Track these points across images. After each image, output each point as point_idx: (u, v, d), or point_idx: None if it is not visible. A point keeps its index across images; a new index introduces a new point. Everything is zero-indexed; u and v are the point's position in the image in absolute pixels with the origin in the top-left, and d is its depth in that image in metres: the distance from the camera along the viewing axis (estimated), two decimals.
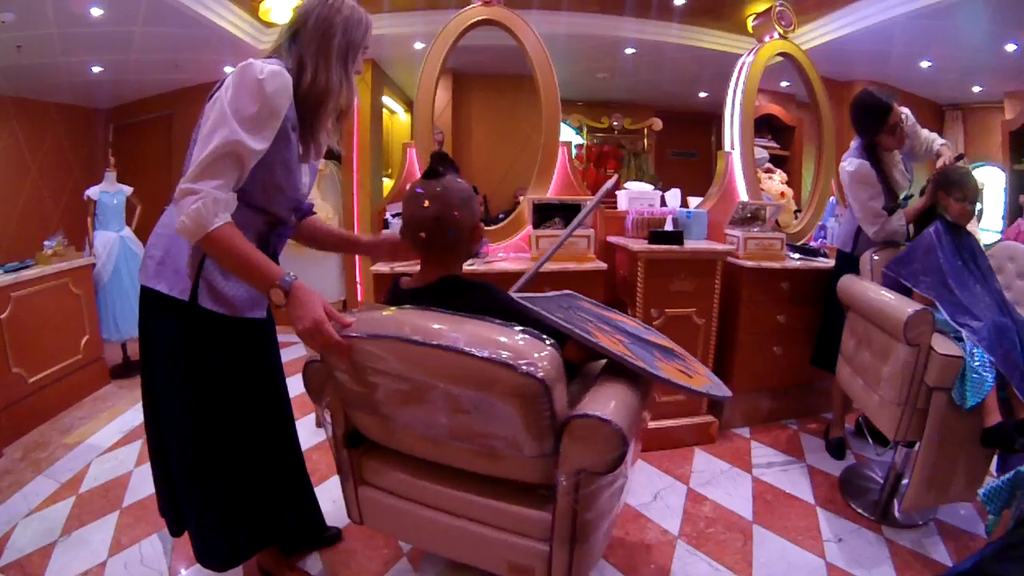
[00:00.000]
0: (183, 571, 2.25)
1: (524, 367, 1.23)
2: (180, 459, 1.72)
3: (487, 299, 1.57)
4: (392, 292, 1.72)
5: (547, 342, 1.32)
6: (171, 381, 1.67)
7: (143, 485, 2.85)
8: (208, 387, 1.67)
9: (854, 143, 2.97)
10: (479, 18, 3.32)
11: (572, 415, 1.33)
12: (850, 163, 2.89)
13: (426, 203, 1.56)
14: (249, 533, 1.84)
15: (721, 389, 1.71)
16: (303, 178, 1.72)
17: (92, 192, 4.48)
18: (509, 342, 1.28)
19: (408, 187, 1.63)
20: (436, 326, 1.34)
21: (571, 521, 1.40)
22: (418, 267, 1.64)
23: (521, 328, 1.34)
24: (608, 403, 1.38)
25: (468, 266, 2.64)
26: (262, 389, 1.82)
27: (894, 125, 2.79)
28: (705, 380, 1.73)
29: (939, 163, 2.84)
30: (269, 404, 1.86)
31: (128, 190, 4.63)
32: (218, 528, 1.79)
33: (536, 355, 1.26)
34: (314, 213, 1.97)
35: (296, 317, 1.40)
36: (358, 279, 5.79)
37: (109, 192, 4.52)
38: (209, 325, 1.62)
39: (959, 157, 2.86)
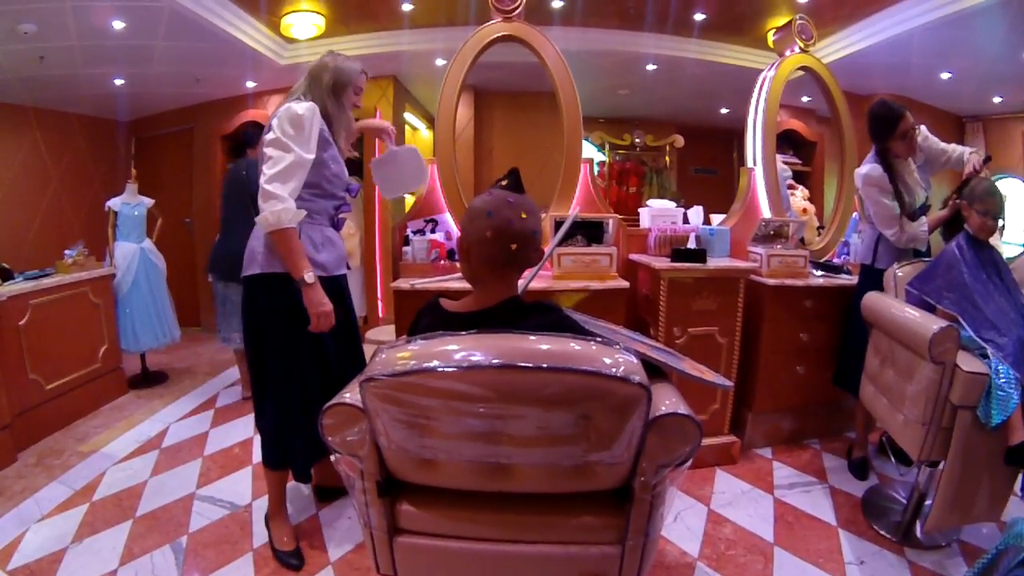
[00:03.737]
0: None
1: (635, 378, 1.25)
2: (273, 388, 2.34)
3: (558, 320, 1.50)
4: (436, 318, 1.56)
5: (632, 352, 1.32)
6: (279, 339, 2.27)
7: (157, 495, 2.87)
8: (305, 334, 2.21)
9: (869, 154, 3.02)
10: (499, 34, 3.30)
11: (659, 415, 1.36)
12: (862, 167, 2.97)
13: (524, 215, 1.47)
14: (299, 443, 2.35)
15: (723, 380, 1.89)
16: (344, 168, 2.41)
17: (113, 203, 4.51)
18: (613, 357, 1.27)
19: (492, 194, 1.51)
20: (544, 347, 1.27)
21: (647, 517, 1.44)
22: (440, 282, 1.59)
23: (618, 345, 1.32)
24: (672, 398, 1.45)
25: None
26: (342, 331, 2.40)
27: (905, 132, 2.87)
28: (709, 375, 1.86)
29: (967, 169, 2.88)
30: (346, 342, 2.48)
31: (149, 202, 4.65)
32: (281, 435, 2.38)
33: (637, 366, 1.28)
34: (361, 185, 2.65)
35: (317, 304, 2.13)
36: (379, 295, 5.81)
37: (130, 204, 4.54)
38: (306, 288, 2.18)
39: (986, 159, 2.89)
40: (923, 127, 3.04)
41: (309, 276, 2.10)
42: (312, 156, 2.14)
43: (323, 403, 1.99)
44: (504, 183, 1.51)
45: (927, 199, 3.00)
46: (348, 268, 2.52)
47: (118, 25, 4.05)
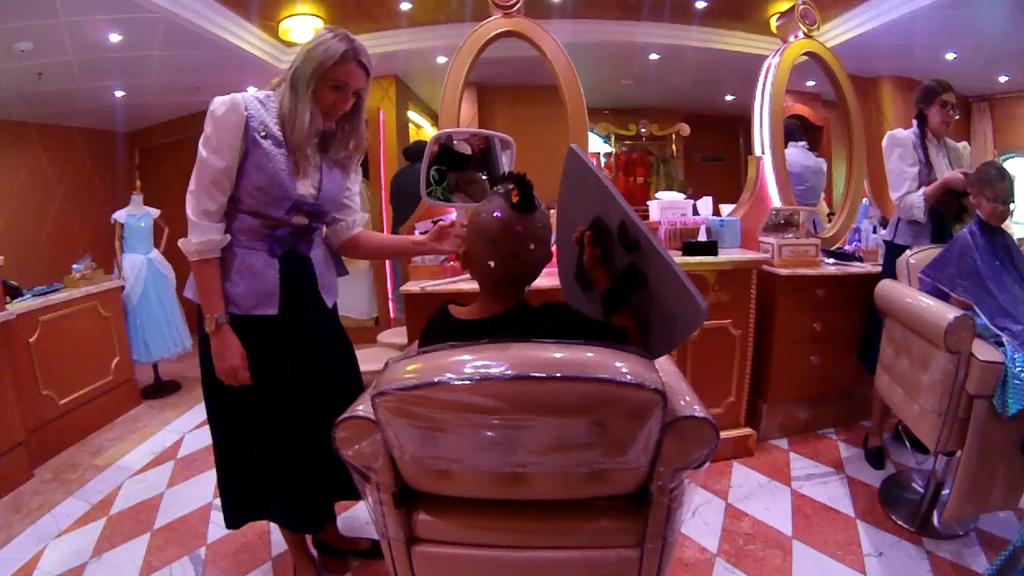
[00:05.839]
0: None
1: (649, 384, 1.22)
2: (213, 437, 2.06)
3: (571, 320, 1.48)
4: (445, 326, 1.53)
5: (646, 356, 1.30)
6: (203, 374, 1.96)
7: (174, 507, 2.88)
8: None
9: None
10: (500, 30, 3.28)
11: (675, 418, 1.33)
12: (894, 131, 3.10)
13: (532, 246, 1.42)
14: (244, 506, 2.07)
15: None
16: (303, 183, 1.88)
17: (119, 215, 4.54)
18: (627, 362, 1.25)
19: (498, 220, 1.41)
20: (557, 356, 1.25)
21: (665, 520, 1.41)
22: (450, 283, 1.54)
23: (628, 348, 1.31)
24: (686, 398, 1.41)
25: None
26: (271, 383, 1.93)
27: (944, 102, 2.98)
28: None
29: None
30: (277, 399, 1.95)
31: (155, 212, 4.69)
32: (224, 496, 2.10)
33: (650, 370, 1.26)
34: (339, 220, 2.14)
35: (218, 356, 1.82)
36: (389, 296, 5.81)
37: (136, 215, 4.57)
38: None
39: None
40: (966, 143, 3.20)
41: (217, 319, 1.80)
42: (223, 163, 1.75)
43: (260, 464, 1.98)
44: (515, 195, 1.41)
45: None
46: (275, 312, 1.90)
47: (114, 38, 4.06)
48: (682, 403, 1.38)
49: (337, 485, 2.05)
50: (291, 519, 2.08)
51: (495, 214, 1.41)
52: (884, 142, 3.11)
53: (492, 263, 1.43)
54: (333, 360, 2.08)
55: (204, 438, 3.66)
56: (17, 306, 3.36)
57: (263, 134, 1.78)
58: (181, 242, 1.80)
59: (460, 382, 1.22)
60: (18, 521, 2.78)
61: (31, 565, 2.44)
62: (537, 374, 1.20)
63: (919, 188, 2.98)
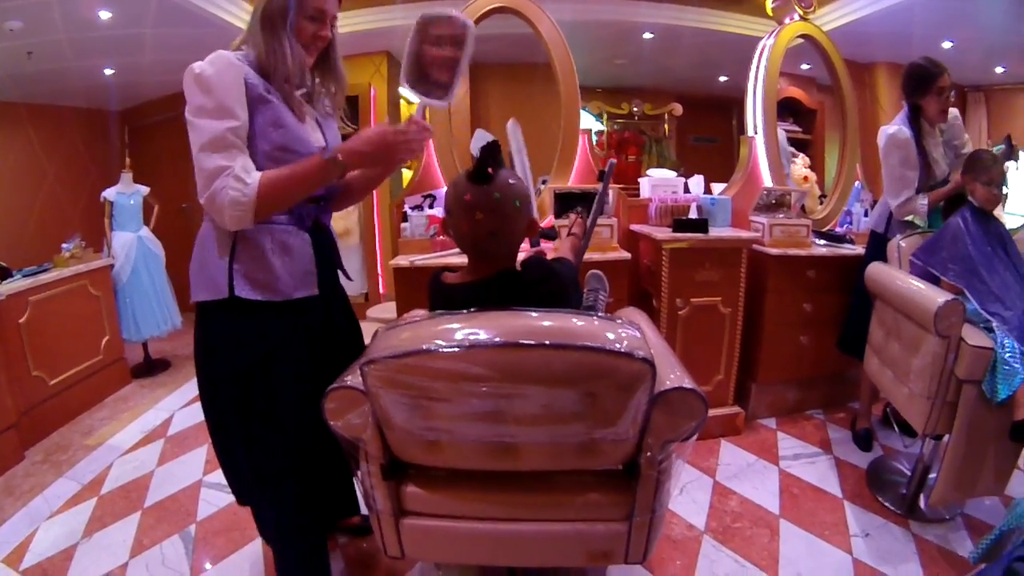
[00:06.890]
0: (205, 570, 2.26)
1: (639, 353, 1.22)
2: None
3: (548, 273, 1.49)
4: (438, 291, 1.52)
5: (636, 328, 1.30)
6: (199, 376, 1.73)
7: (165, 486, 2.87)
8: (240, 382, 1.64)
9: (899, 114, 2.95)
10: (493, 6, 3.26)
11: (664, 390, 1.33)
12: (889, 127, 2.89)
13: (479, 215, 1.36)
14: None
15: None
16: (313, 134, 1.70)
17: (108, 193, 4.51)
18: (616, 332, 1.25)
19: (453, 188, 1.42)
20: (546, 324, 1.26)
21: (654, 493, 1.42)
22: (439, 257, 1.54)
23: (621, 320, 1.31)
24: (676, 371, 1.42)
25: None
26: (302, 383, 1.68)
27: (941, 89, 2.78)
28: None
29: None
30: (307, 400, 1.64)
31: (145, 190, 4.65)
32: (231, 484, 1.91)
33: (640, 340, 1.26)
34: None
35: (371, 157, 1.61)
36: (379, 272, 5.79)
37: (126, 193, 4.54)
38: (253, 317, 1.60)
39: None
40: (955, 110, 2.96)
41: (328, 162, 1.54)
42: (225, 125, 1.47)
43: (258, 476, 1.77)
44: (475, 172, 1.36)
45: (948, 176, 2.95)
46: (315, 292, 1.70)
47: (105, 15, 4.01)
48: (671, 376, 1.39)
49: (336, 504, 2.03)
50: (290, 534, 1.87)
51: (453, 184, 1.44)
52: (881, 142, 2.91)
53: (452, 233, 1.46)
54: (344, 344, 1.88)
55: (194, 416, 3.66)
56: (7, 287, 3.33)
57: (264, 87, 1.56)
58: (231, 208, 1.46)
59: (449, 349, 1.22)
60: (10, 503, 2.77)
61: (23, 547, 2.43)
62: (526, 341, 1.20)
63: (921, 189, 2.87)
